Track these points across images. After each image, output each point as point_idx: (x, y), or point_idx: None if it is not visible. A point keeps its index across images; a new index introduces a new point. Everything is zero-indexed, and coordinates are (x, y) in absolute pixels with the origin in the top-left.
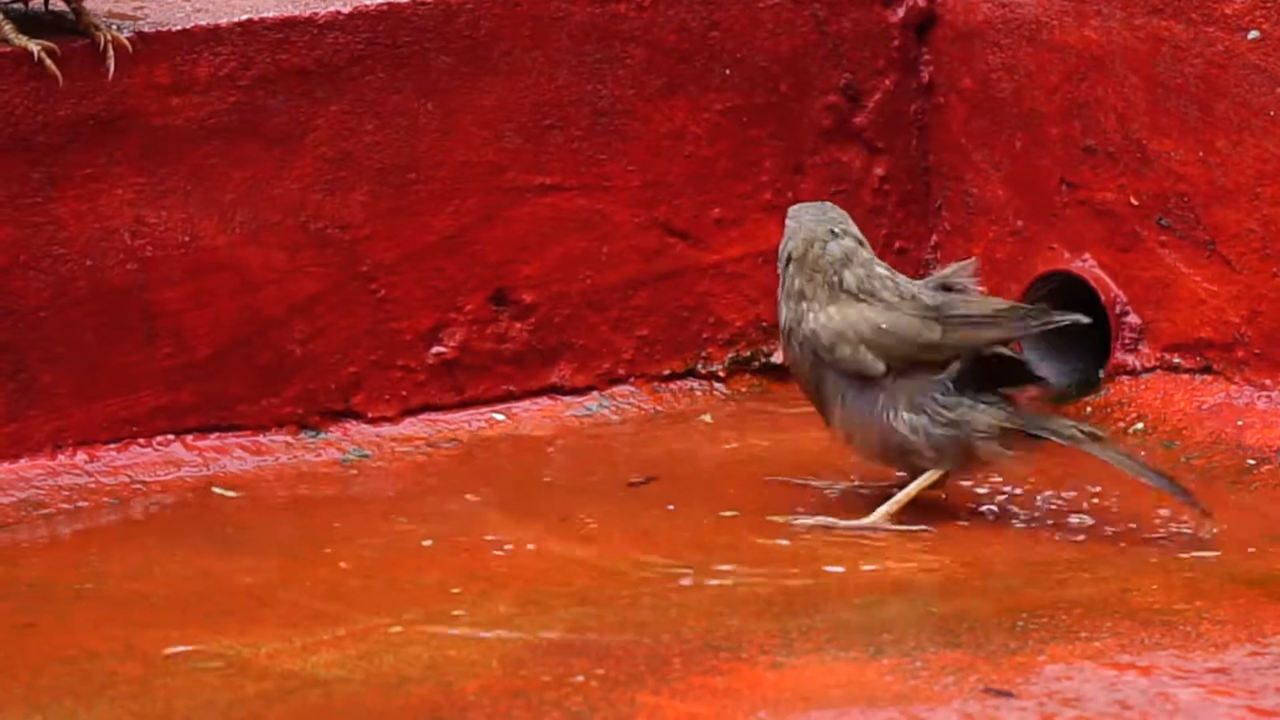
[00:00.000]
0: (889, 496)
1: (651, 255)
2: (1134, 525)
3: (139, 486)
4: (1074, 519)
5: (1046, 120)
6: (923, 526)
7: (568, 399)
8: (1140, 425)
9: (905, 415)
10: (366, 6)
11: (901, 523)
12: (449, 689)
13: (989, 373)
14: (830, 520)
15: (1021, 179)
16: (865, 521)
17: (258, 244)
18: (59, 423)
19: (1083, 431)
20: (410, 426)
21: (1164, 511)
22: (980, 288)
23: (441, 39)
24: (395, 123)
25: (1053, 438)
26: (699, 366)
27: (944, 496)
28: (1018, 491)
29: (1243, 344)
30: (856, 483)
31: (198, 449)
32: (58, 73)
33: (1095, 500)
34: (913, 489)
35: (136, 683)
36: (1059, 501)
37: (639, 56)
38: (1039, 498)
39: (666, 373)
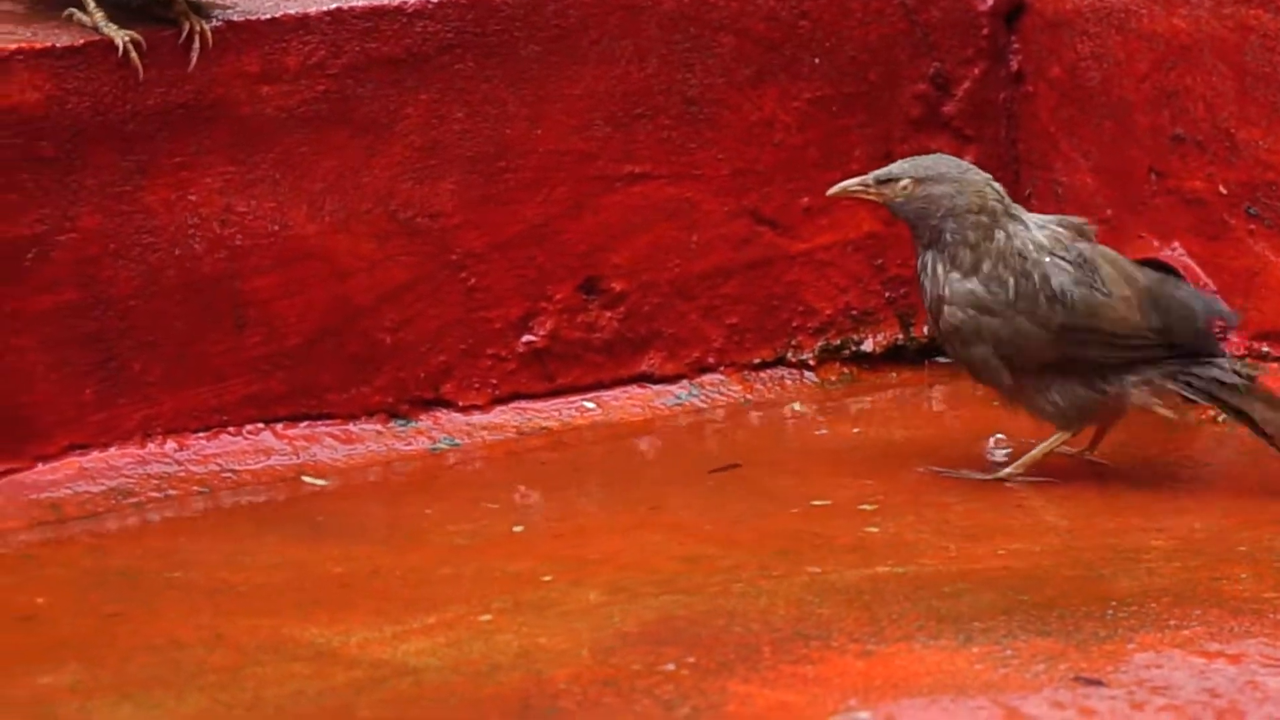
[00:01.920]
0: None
1: (740, 244)
2: (1224, 515)
3: (229, 475)
4: (1165, 506)
5: (1135, 109)
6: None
7: (657, 387)
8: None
9: None
10: None
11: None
12: (539, 677)
13: None
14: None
15: (1110, 168)
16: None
17: (347, 233)
18: (149, 411)
19: (1242, 376)
20: (500, 415)
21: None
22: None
23: (530, 27)
24: (484, 111)
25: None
26: (789, 355)
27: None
28: (1108, 479)
29: None
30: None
31: (287, 438)
32: (139, 65)
33: (1188, 487)
34: (1042, 449)
35: (226, 672)
36: (1150, 489)
37: (728, 45)
38: (1129, 484)
39: (756, 361)
